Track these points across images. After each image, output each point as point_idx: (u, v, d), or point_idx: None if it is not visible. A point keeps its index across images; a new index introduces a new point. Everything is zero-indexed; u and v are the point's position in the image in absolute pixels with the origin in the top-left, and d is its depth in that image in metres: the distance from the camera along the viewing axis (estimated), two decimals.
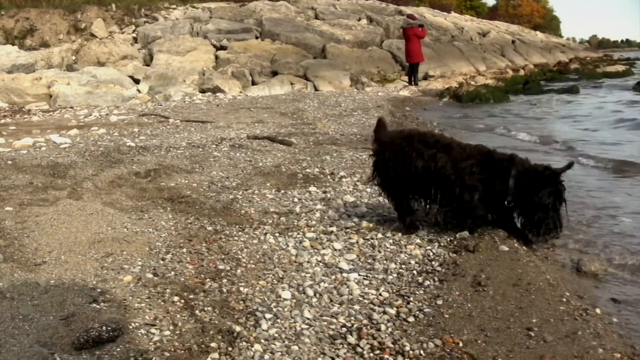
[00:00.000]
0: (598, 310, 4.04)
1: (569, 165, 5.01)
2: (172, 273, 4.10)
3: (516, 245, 5.03)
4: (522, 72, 38.74)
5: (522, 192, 4.96)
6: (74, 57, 24.35)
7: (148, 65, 23.15)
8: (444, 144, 5.16)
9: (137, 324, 3.31)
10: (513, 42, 51.72)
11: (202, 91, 19.94)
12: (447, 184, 5.03)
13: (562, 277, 4.66)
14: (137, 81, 20.71)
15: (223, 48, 25.28)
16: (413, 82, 25.80)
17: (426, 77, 29.36)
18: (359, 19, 34.27)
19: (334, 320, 3.52)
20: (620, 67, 47.32)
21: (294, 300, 3.77)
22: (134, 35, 26.84)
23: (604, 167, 9.11)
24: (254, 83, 21.72)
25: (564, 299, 4.05)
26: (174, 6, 31.75)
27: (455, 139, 5.45)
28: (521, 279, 4.28)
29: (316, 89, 22.12)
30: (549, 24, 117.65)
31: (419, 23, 26.28)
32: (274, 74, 22.84)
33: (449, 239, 4.99)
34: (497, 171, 5.01)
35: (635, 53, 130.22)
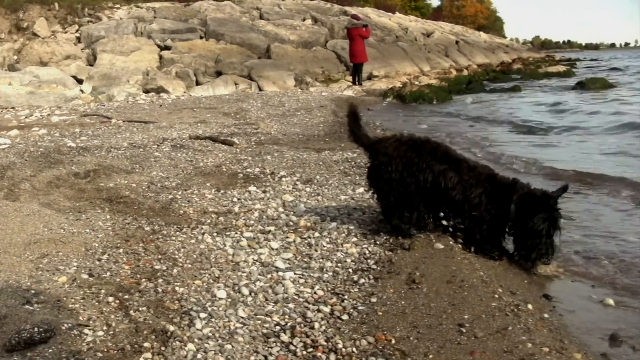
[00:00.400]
0: (530, 306, 4.11)
1: (564, 188, 5.03)
2: (108, 273, 4.06)
3: (451, 242, 5.09)
4: (465, 72, 39.23)
5: (520, 217, 4.98)
6: (15, 57, 23.84)
7: (91, 65, 22.78)
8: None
9: (70, 325, 3.28)
10: (457, 42, 52.27)
11: (146, 91, 19.72)
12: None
13: (496, 274, 4.72)
14: (80, 81, 20.35)
15: (167, 48, 25.02)
16: (357, 82, 25.88)
17: (370, 77, 29.47)
18: (304, 19, 34.28)
19: (268, 319, 3.53)
20: (561, 68, 48.40)
21: (229, 300, 3.76)
22: (77, 34, 26.35)
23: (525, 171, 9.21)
24: (198, 83, 21.57)
25: (497, 295, 4.11)
26: (117, 6, 31.28)
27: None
28: (455, 276, 4.34)
29: (260, 89, 22.05)
30: (493, 24, 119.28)
31: (363, 23, 26.37)
32: (218, 74, 22.70)
33: (385, 237, 5.04)
34: (500, 197, 5.03)
35: (576, 54, 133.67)
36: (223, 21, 29.04)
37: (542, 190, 5.02)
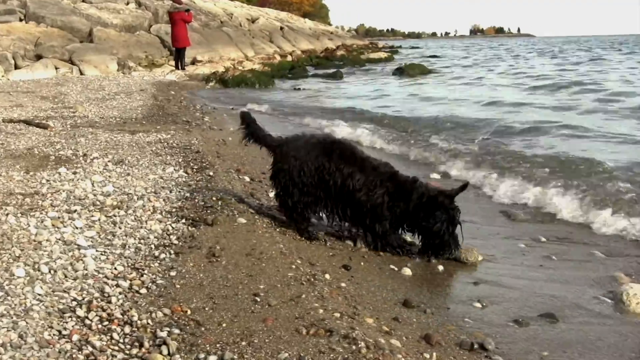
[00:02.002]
0: (327, 276, 4.28)
1: (463, 187, 5.17)
2: None
3: (255, 217, 5.19)
4: (289, 58, 39.69)
5: (419, 216, 5.09)
6: None
7: None
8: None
9: None
10: (282, 28, 52.62)
11: None
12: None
13: (297, 246, 4.86)
14: None
15: None
16: (180, 67, 25.63)
17: (194, 62, 29.20)
18: (127, 3, 33.24)
19: (66, 295, 3.45)
20: (383, 54, 50.38)
21: (28, 278, 3.66)
22: None
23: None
24: (16, 67, 20.50)
25: (294, 266, 4.25)
26: None
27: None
28: (255, 248, 4.44)
29: (82, 73, 21.37)
30: (319, 12, 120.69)
31: (186, 8, 26.08)
32: (39, 57, 21.67)
33: (189, 214, 5.06)
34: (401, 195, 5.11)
35: (399, 42, 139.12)
36: (44, 3, 27.68)
37: (440, 189, 5.19)
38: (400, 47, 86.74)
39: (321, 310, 3.55)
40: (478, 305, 4.35)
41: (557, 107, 16.88)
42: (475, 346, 3.62)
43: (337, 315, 3.54)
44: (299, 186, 5.07)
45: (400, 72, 31.14)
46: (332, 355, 3.00)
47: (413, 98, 20.17)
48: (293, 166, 5.06)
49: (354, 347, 3.09)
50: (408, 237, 5.45)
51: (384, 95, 21.51)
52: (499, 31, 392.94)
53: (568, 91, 21.19)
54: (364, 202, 5.05)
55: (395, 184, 5.13)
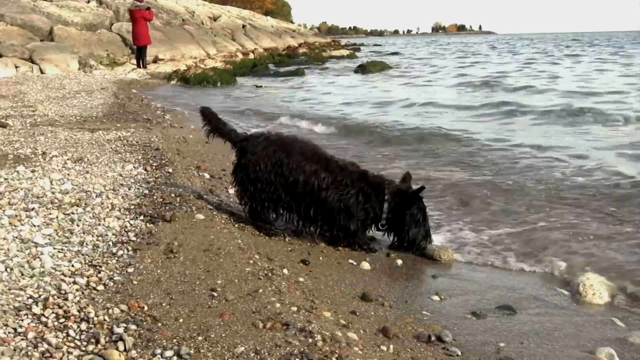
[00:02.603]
0: (285, 271, 4.28)
1: (422, 188, 5.22)
2: None
3: (214, 213, 5.17)
4: (251, 56, 39.70)
5: (395, 212, 5.12)
6: None
7: None
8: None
9: None
10: (244, 26, 52.48)
11: None
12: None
13: (256, 242, 4.85)
14: None
15: None
16: (142, 65, 25.43)
17: (156, 60, 29.01)
18: (88, 1, 32.80)
19: (22, 293, 3.40)
20: (345, 52, 50.79)
21: None
22: None
23: None
24: None
25: (252, 261, 4.24)
26: None
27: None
28: (213, 244, 4.42)
29: (42, 72, 21.09)
30: (281, 10, 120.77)
31: (147, 6, 25.87)
32: None
33: (147, 211, 5.03)
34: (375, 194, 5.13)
35: (362, 39, 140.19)
36: (3, 1, 27.14)
37: (409, 186, 5.27)
38: (362, 44, 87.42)
39: (278, 305, 3.54)
40: (436, 298, 4.40)
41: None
42: (433, 338, 3.66)
43: (294, 309, 3.55)
44: (254, 182, 5.04)
45: (362, 69, 31.33)
46: (288, 348, 3.00)
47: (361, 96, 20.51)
48: (249, 161, 5.04)
49: (310, 340, 3.09)
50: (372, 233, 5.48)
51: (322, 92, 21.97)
52: (461, 29, 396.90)
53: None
54: (333, 202, 5.04)
55: (368, 184, 5.14)
